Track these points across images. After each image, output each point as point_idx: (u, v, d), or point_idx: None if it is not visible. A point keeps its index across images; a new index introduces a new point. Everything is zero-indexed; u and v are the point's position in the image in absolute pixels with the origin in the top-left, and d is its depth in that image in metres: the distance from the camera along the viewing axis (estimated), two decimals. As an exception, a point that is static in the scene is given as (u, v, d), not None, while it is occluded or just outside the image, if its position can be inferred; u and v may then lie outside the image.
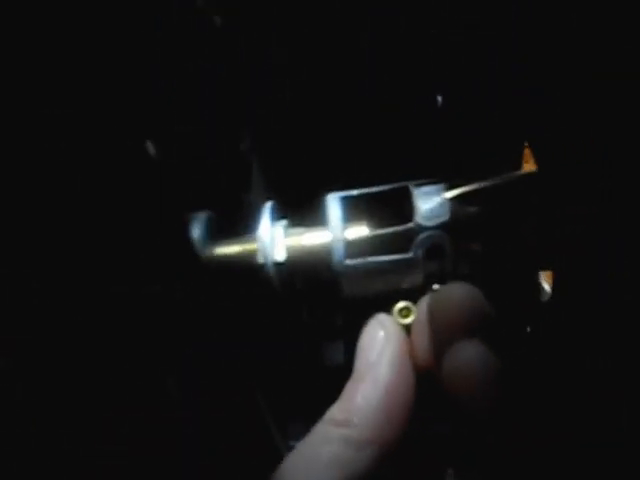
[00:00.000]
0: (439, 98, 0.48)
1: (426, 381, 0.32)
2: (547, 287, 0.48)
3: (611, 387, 0.45)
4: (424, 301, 0.34)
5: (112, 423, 0.40)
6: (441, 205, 0.43)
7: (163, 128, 0.45)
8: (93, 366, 0.40)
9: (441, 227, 0.43)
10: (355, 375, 0.33)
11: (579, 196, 0.43)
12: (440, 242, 0.43)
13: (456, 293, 0.30)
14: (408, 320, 0.35)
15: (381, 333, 0.33)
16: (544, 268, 0.47)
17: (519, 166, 0.47)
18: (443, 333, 0.30)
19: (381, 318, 0.34)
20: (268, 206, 0.47)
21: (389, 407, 0.30)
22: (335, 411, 0.31)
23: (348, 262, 0.43)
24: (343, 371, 0.56)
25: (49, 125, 0.38)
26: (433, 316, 0.31)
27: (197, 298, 0.44)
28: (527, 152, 0.47)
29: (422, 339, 0.32)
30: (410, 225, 0.43)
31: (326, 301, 0.46)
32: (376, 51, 0.48)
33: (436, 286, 0.46)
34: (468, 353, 0.28)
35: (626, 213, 0.42)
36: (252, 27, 0.48)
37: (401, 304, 0.35)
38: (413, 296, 0.43)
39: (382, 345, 0.32)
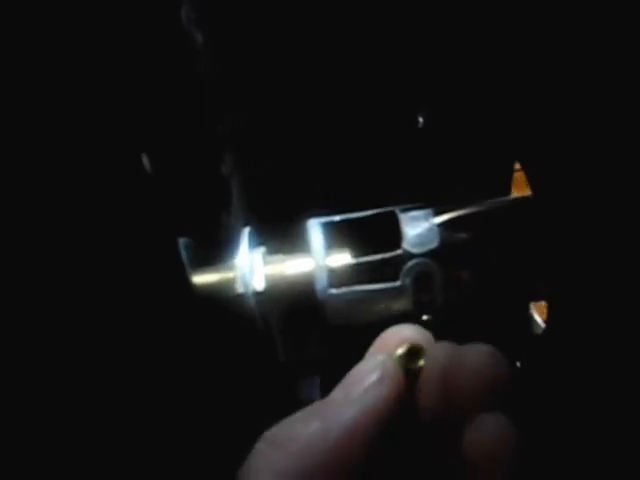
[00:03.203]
0: (421, 119, 0.47)
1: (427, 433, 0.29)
2: (539, 319, 0.46)
3: (609, 422, 0.43)
4: (436, 353, 0.29)
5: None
6: (429, 231, 0.41)
7: (142, 150, 0.43)
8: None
9: (430, 254, 0.41)
10: (328, 399, 0.29)
11: (573, 222, 0.41)
12: (429, 270, 0.41)
13: (477, 360, 0.27)
14: (415, 365, 0.30)
15: (377, 373, 0.29)
16: (537, 299, 0.46)
17: (508, 190, 0.46)
18: (461, 400, 0.26)
19: (382, 359, 0.30)
20: (246, 232, 0.44)
21: (337, 450, 0.26)
22: (275, 431, 0.28)
23: (332, 292, 0.41)
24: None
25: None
26: (449, 380, 0.27)
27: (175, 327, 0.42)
28: (517, 175, 0.46)
29: (432, 394, 0.28)
30: (397, 252, 0.41)
31: (306, 333, 0.44)
32: (358, 72, 0.47)
33: (425, 316, 0.44)
34: (490, 427, 0.25)
35: (619, 239, 0.40)
36: (233, 47, 0.47)
37: (405, 348, 0.30)
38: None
39: (372, 384, 0.28)
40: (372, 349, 0.32)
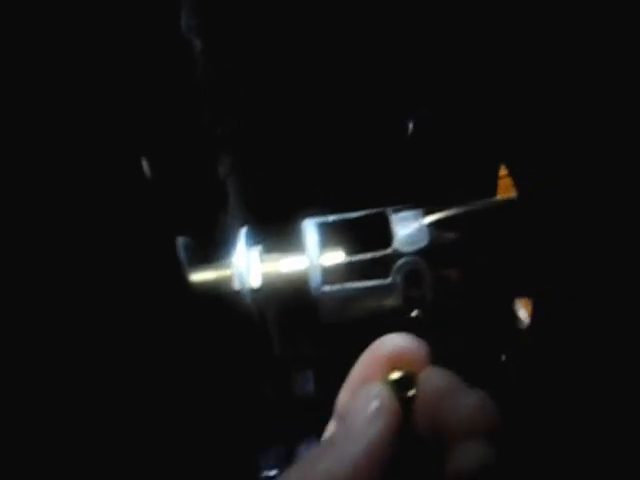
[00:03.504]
0: (411, 123, 0.48)
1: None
2: (524, 315, 0.48)
3: (594, 416, 0.44)
4: (428, 387, 0.29)
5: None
6: (419, 230, 0.43)
7: (141, 152, 0.44)
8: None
9: (419, 253, 0.42)
10: (329, 439, 0.29)
11: (557, 222, 0.43)
12: (418, 268, 0.42)
13: (467, 409, 0.27)
14: (408, 393, 0.30)
15: (375, 404, 0.29)
16: (522, 296, 0.47)
17: (495, 191, 0.47)
18: (450, 434, 0.27)
19: (379, 389, 0.29)
20: (243, 231, 0.46)
21: None
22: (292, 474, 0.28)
23: (325, 289, 0.43)
24: (313, 401, 0.55)
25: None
26: (439, 419, 0.28)
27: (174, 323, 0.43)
28: (501, 182, 0.48)
29: (423, 425, 0.29)
30: (388, 251, 0.42)
31: (301, 328, 0.45)
32: (351, 77, 0.48)
33: (415, 313, 0.46)
34: (472, 457, 0.26)
35: (603, 238, 0.42)
36: (231, 52, 0.48)
37: (399, 374, 0.30)
38: (391, 323, 0.42)
39: (372, 418, 0.28)
40: (364, 360, 0.31)
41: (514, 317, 0.48)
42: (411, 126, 0.49)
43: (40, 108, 0.39)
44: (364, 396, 0.29)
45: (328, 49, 0.48)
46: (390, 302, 0.43)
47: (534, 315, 0.46)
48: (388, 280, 0.42)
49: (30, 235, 0.39)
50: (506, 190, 0.46)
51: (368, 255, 0.43)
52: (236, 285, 0.45)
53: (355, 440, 0.27)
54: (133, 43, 0.43)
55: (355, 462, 0.27)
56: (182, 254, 0.45)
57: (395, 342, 0.31)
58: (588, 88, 0.40)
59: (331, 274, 0.43)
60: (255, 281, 0.44)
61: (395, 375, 0.30)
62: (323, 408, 0.32)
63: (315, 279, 0.43)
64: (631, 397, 0.42)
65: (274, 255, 0.45)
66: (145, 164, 0.44)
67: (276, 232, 0.46)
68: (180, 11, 0.47)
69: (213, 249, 0.46)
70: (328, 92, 0.48)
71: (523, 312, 0.48)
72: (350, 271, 0.43)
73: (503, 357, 0.48)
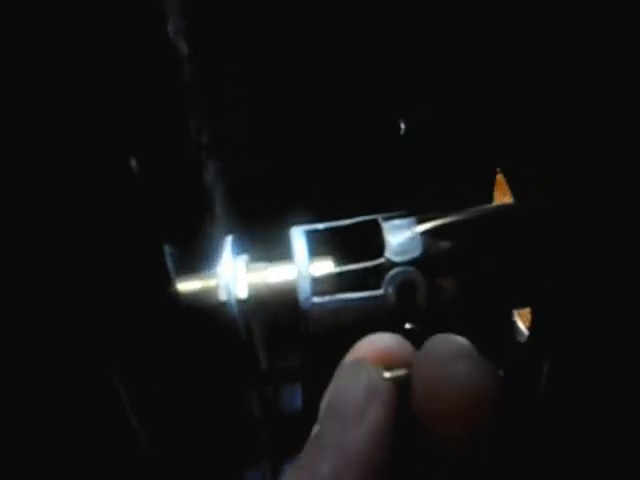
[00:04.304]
0: (402, 126, 0.47)
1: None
2: (522, 326, 0.46)
3: (592, 428, 0.43)
4: (420, 367, 0.26)
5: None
6: (412, 239, 0.41)
7: (125, 158, 0.43)
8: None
9: (413, 263, 0.40)
10: (321, 436, 0.25)
11: (556, 230, 0.41)
12: (411, 278, 0.40)
13: (461, 377, 0.24)
14: (399, 372, 0.26)
15: (363, 384, 0.25)
16: (520, 306, 0.46)
17: (491, 197, 0.46)
18: (451, 421, 0.24)
19: (366, 369, 0.25)
20: (229, 240, 0.44)
21: None
22: None
23: (315, 300, 0.41)
24: (301, 416, 0.53)
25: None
26: (437, 401, 0.24)
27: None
28: (499, 180, 0.46)
29: (420, 412, 0.26)
30: (380, 261, 0.41)
31: (289, 341, 0.44)
32: (340, 81, 0.46)
33: (408, 325, 0.44)
34: (475, 439, 0.24)
35: (603, 246, 0.40)
36: (219, 58, 0.47)
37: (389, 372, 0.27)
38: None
39: (363, 404, 0.24)
40: (348, 360, 0.28)
41: (512, 329, 0.47)
42: (403, 127, 0.47)
43: (18, 117, 0.38)
44: (350, 378, 0.26)
45: (317, 54, 0.46)
46: (382, 314, 0.41)
47: (533, 327, 0.45)
48: (380, 291, 0.41)
49: (10, 242, 0.38)
50: (504, 187, 0.44)
51: (359, 265, 0.41)
52: (222, 296, 0.43)
53: (351, 432, 0.24)
54: (119, 47, 0.42)
55: (357, 458, 0.23)
56: (169, 263, 0.44)
57: (383, 340, 0.28)
58: (586, 92, 0.39)
59: (321, 285, 0.41)
60: (241, 292, 0.43)
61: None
62: (312, 423, 0.30)
63: (304, 290, 0.41)
64: (633, 412, 0.41)
65: (261, 265, 0.44)
66: (132, 169, 0.43)
67: (263, 241, 0.45)
68: (167, 15, 0.45)
69: (198, 258, 0.45)
70: (316, 96, 0.47)
71: (521, 324, 0.46)
72: (340, 281, 0.41)
73: (501, 371, 0.47)
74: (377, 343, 0.28)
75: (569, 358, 0.44)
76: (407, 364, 0.27)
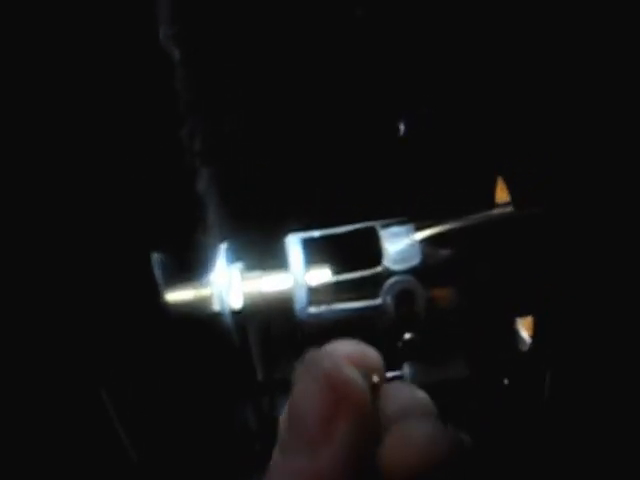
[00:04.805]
0: (402, 127, 0.46)
1: None
2: (525, 335, 0.45)
3: (595, 438, 0.43)
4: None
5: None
6: (411, 247, 0.40)
7: (118, 165, 0.42)
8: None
9: (411, 271, 0.39)
10: (283, 463, 0.21)
11: (558, 236, 0.40)
12: (410, 288, 0.39)
13: (419, 442, 0.21)
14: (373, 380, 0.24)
15: (323, 388, 0.20)
16: (522, 314, 0.44)
17: (492, 203, 0.44)
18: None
19: (321, 364, 0.21)
20: (223, 248, 0.43)
21: None
22: None
23: (311, 310, 0.40)
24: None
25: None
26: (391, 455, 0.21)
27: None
28: (500, 184, 0.45)
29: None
30: (378, 269, 0.39)
31: (285, 352, 0.42)
32: (335, 85, 0.45)
33: (407, 335, 0.43)
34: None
35: (606, 253, 0.40)
36: (211, 63, 0.46)
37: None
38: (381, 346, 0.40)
39: (327, 414, 0.20)
40: (306, 369, 0.24)
41: (515, 338, 0.46)
42: (402, 129, 0.46)
43: (9, 125, 0.38)
44: (310, 381, 0.21)
45: (311, 59, 0.45)
46: (380, 324, 0.40)
47: (535, 335, 0.44)
48: (378, 300, 0.39)
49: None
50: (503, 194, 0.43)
51: (356, 274, 0.40)
52: (215, 305, 0.42)
53: (319, 456, 0.20)
54: (109, 54, 0.41)
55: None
56: (158, 272, 0.43)
57: (348, 348, 0.25)
58: (587, 99, 0.39)
59: (317, 294, 0.40)
60: (236, 301, 0.42)
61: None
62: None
63: (300, 300, 0.40)
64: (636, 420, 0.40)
65: (256, 273, 0.43)
66: (124, 176, 0.42)
67: (258, 248, 0.43)
68: (157, 20, 0.44)
69: (190, 267, 0.44)
70: (310, 99, 0.46)
71: (524, 333, 0.45)
72: (337, 291, 0.40)
73: (504, 380, 0.46)
74: (337, 350, 0.25)
75: (572, 367, 0.43)
76: (378, 372, 0.24)
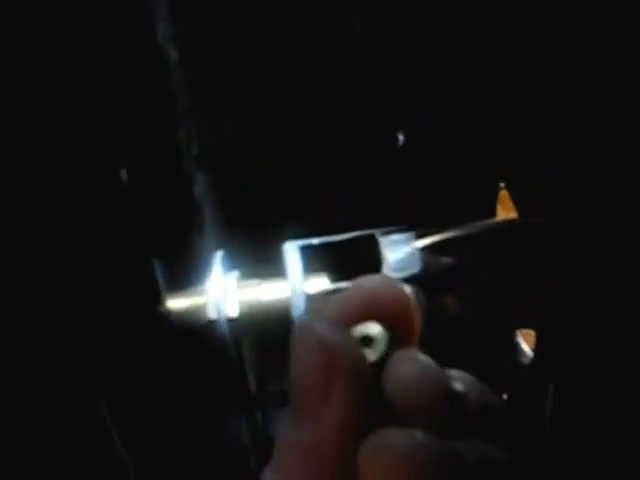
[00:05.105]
0: (401, 137, 0.45)
1: None
2: (526, 348, 0.44)
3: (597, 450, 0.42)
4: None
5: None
6: (411, 255, 0.39)
7: (113, 169, 0.42)
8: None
9: (411, 280, 0.39)
10: (285, 432, 0.21)
11: (561, 246, 0.40)
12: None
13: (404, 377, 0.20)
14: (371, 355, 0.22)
15: (318, 359, 0.20)
16: (524, 326, 0.44)
17: (494, 211, 0.44)
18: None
19: (316, 327, 0.20)
20: (219, 255, 0.42)
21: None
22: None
23: (309, 319, 0.39)
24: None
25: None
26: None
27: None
28: (503, 195, 0.45)
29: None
30: (377, 277, 0.39)
31: (282, 363, 0.42)
32: (335, 92, 0.45)
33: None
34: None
35: (609, 263, 0.39)
36: (208, 66, 0.46)
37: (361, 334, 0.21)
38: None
39: (323, 387, 0.19)
40: (299, 336, 0.21)
41: (516, 351, 0.45)
42: (401, 138, 0.46)
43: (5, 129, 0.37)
44: (304, 349, 0.20)
45: (311, 64, 0.45)
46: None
47: (537, 348, 0.43)
48: (377, 310, 0.39)
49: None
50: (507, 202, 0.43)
51: (355, 282, 0.39)
52: (211, 314, 0.41)
53: (314, 429, 0.19)
54: (106, 55, 0.41)
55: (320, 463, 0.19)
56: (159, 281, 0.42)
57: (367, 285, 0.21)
58: (593, 110, 0.38)
59: (315, 303, 0.39)
60: (232, 310, 0.41)
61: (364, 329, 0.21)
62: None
63: (298, 308, 0.39)
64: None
65: (253, 281, 0.42)
66: (121, 181, 0.42)
67: (255, 256, 0.43)
68: (155, 21, 0.44)
69: (186, 274, 0.43)
70: (310, 106, 0.45)
71: (525, 345, 0.45)
72: (336, 299, 0.39)
73: (505, 394, 0.45)
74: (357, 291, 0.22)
75: (574, 380, 0.42)
76: (396, 316, 0.22)
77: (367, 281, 0.22)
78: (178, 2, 0.43)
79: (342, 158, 0.46)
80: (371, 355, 0.20)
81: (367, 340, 0.20)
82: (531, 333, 0.44)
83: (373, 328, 0.21)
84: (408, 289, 0.22)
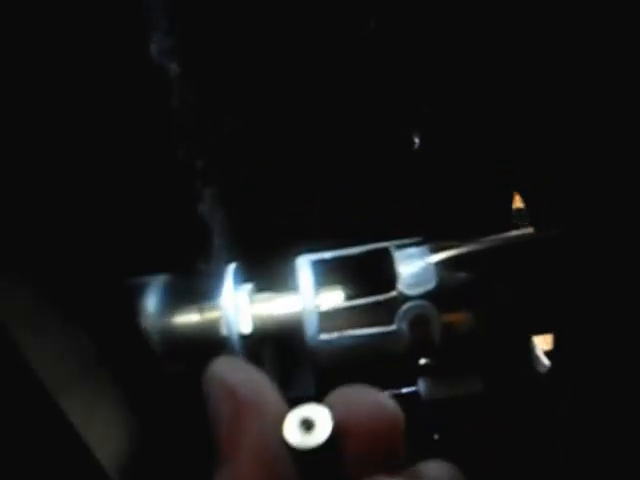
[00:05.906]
0: (417, 140, 0.44)
1: None
2: (543, 357, 0.43)
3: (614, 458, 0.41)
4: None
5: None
6: (426, 270, 0.38)
7: (120, 184, 0.41)
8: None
9: (427, 296, 0.38)
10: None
11: (577, 258, 0.39)
12: (426, 313, 0.38)
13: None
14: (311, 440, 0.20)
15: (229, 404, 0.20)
16: (542, 331, 0.43)
17: (508, 224, 0.43)
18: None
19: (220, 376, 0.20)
20: (231, 269, 0.41)
21: None
22: None
23: (323, 337, 0.38)
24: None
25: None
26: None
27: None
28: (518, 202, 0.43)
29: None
30: (392, 294, 0.38)
31: (295, 379, 0.41)
32: (345, 99, 0.44)
33: (422, 362, 0.42)
34: None
35: (625, 273, 0.38)
36: (208, 77, 0.44)
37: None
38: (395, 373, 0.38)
39: (234, 422, 0.20)
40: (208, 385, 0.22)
41: (532, 360, 0.44)
42: (417, 142, 0.44)
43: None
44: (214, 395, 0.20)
45: (316, 71, 0.44)
46: (395, 350, 0.39)
47: (554, 358, 0.43)
48: (392, 327, 0.38)
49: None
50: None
51: (370, 299, 0.38)
52: (223, 330, 0.40)
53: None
54: (103, 70, 0.40)
55: None
56: (159, 295, 0.41)
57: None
58: (606, 119, 0.37)
59: (328, 319, 0.39)
60: (244, 325, 0.40)
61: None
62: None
63: (311, 325, 0.39)
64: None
65: (266, 295, 0.41)
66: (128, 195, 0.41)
67: (267, 270, 0.42)
68: (152, 34, 0.42)
69: (197, 289, 0.42)
70: (320, 114, 0.44)
71: (542, 354, 0.44)
72: (350, 316, 0.39)
73: (521, 402, 0.44)
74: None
75: (591, 390, 0.42)
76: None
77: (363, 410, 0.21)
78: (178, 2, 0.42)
79: (356, 170, 0.45)
80: (311, 440, 0.20)
81: (308, 424, 0.20)
82: (547, 340, 0.43)
83: (318, 412, 0.20)
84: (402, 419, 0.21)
